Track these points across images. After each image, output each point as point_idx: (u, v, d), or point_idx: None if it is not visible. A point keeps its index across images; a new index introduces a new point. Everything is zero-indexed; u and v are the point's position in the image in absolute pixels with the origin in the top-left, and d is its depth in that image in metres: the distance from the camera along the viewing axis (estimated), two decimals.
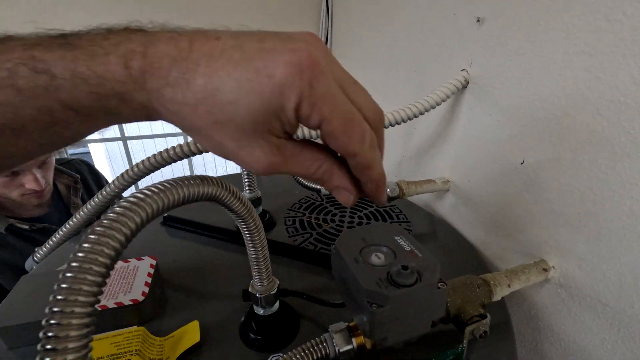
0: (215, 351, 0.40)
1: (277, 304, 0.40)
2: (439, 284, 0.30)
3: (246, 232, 0.35)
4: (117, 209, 0.21)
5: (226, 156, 0.20)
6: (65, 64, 0.17)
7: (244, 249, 0.35)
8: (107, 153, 3.42)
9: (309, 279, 0.51)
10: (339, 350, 0.35)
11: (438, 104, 0.56)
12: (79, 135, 0.20)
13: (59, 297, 0.17)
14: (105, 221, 0.20)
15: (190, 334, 0.40)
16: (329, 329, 0.37)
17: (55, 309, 0.17)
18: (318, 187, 0.64)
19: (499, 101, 0.49)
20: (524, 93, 0.45)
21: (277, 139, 0.19)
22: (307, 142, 0.21)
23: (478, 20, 0.51)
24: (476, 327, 0.36)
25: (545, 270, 0.43)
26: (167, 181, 0.25)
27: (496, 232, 0.53)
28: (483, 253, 0.56)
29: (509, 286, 0.41)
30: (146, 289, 0.42)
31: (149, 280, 0.43)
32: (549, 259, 0.44)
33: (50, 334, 0.16)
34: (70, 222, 0.57)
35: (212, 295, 0.48)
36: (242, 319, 0.43)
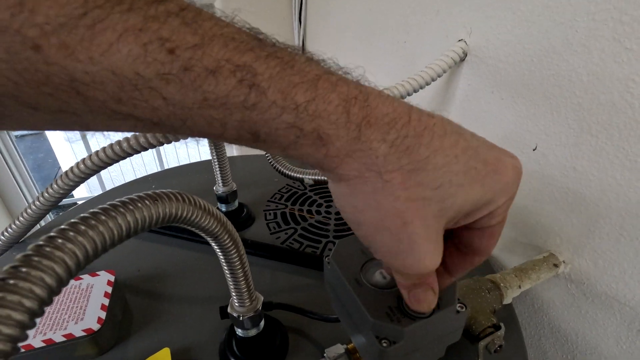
0: None
1: (262, 323, 0.35)
2: (458, 306, 0.25)
3: (220, 251, 0.28)
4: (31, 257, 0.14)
5: (391, 229, 0.16)
6: (281, 86, 0.13)
7: None
8: (65, 133, 3.17)
9: (296, 282, 0.46)
10: None
11: (433, 80, 0.49)
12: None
13: None
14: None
15: None
16: (325, 354, 0.32)
17: None
18: (300, 176, 0.58)
19: (504, 76, 0.44)
20: (536, 67, 0.39)
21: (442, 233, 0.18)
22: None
23: None
24: (490, 342, 0.32)
25: (555, 265, 0.40)
26: (102, 209, 0.17)
27: None
28: None
29: (520, 287, 0.38)
30: (103, 314, 0.35)
31: (107, 302, 0.36)
32: (559, 252, 0.41)
33: None
34: (9, 230, 0.48)
35: (185, 310, 0.42)
36: (223, 338, 0.37)
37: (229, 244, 0.28)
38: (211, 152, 0.49)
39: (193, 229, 0.24)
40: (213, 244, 0.27)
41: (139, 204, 0.19)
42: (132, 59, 0.11)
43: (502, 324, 0.33)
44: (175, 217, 0.22)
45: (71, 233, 0.16)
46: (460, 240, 0.20)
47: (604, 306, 0.37)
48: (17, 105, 0.12)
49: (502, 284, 0.37)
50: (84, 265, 0.16)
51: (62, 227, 0.16)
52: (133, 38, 0.11)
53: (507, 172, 0.17)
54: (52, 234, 0.15)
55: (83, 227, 0.16)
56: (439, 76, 0.49)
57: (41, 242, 0.15)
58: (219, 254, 0.29)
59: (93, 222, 0.17)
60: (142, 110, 0.13)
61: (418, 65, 0.57)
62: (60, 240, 0.15)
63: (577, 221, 0.38)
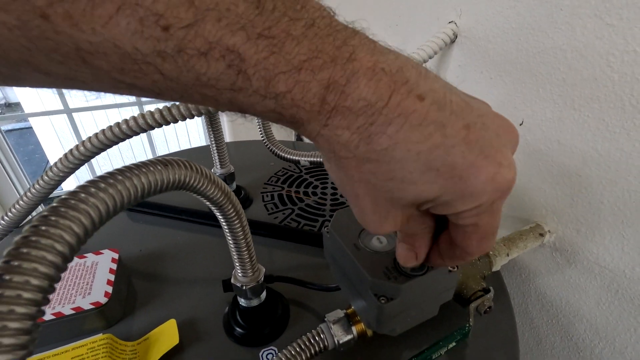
0: (198, 350, 0.36)
1: (264, 294, 0.36)
2: (450, 266, 0.27)
3: (224, 221, 0.30)
4: (50, 217, 0.15)
5: (348, 197, 0.18)
6: (265, 74, 0.14)
7: (220, 230, 0.31)
8: (53, 127, 3.11)
9: (294, 259, 0.47)
10: (338, 341, 0.32)
11: (425, 62, 0.51)
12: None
13: None
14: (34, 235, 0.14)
15: (168, 334, 0.35)
16: (326, 319, 0.33)
17: None
18: (297, 158, 0.59)
19: (493, 56, 0.45)
20: (523, 46, 0.41)
21: (411, 210, 0.18)
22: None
23: None
24: (480, 303, 0.34)
25: (541, 235, 0.42)
26: (118, 170, 0.19)
27: None
28: None
29: (508, 255, 0.40)
30: (109, 288, 0.36)
31: (112, 277, 0.38)
32: (544, 223, 0.43)
33: None
34: (9, 214, 0.48)
35: (188, 287, 0.43)
36: (226, 310, 0.39)
37: (232, 214, 0.29)
38: (208, 134, 0.49)
39: (199, 197, 0.26)
40: (217, 213, 0.29)
41: (152, 168, 0.20)
42: (130, 33, 0.12)
43: (491, 288, 0.35)
44: (184, 183, 0.23)
45: (92, 189, 0.17)
46: (450, 229, 0.19)
47: (585, 271, 0.40)
48: (31, 71, 0.13)
49: (491, 252, 0.39)
50: (105, 220, 0.17)
51: (83, 184, 0.17)
52: (130, 11, 0.11)
53: (474, 182, 0.15)
54: (75, 189, 0.17)
55: (103, 185, 0.17)
56: (430, 58, 0.51)
57: (65, 196, 0.16)
58: (223, 224, 0.30)
59: (112, 180, 0.18)
60: (143, 81, 0.13)
61: (409, 48, 0.58)
62: (83, 195, 0.16)
63: (561, 192, 0.40)
